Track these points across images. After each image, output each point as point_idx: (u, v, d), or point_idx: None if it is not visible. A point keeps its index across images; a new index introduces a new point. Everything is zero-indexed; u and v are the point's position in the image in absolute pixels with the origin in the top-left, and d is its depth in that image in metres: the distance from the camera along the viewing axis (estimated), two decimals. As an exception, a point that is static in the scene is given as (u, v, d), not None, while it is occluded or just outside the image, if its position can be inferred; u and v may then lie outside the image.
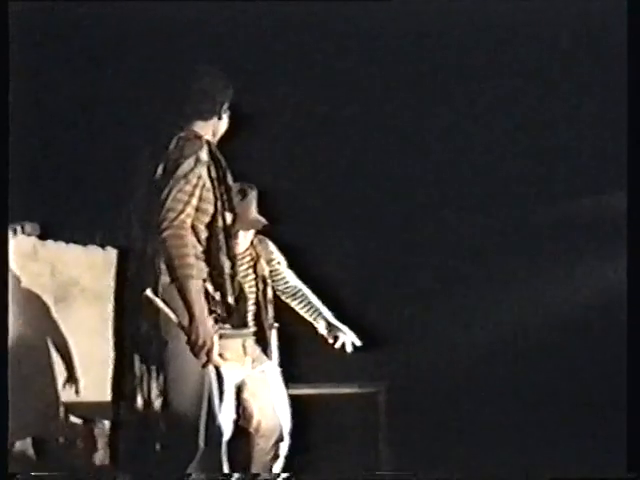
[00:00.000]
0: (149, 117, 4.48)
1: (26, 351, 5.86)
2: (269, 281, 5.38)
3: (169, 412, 3.93)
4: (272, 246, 5.47)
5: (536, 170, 7.19)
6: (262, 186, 5.36)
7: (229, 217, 4.07)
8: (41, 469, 5.85)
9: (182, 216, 3.89)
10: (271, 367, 5.31)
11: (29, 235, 6.23)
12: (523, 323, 7.12)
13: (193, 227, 3.97)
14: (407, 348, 7.12)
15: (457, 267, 7.28)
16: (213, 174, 4.01)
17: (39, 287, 6.14)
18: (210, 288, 3.99)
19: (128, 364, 3.99)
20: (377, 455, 6.55)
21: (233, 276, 4.06)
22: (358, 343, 5.37)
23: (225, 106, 4.18)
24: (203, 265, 3.98)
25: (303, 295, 5.47)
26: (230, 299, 4.02)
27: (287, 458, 5.28)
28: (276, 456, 5.23)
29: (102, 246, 6.39)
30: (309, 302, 5.46)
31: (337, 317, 5.44)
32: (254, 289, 5.32)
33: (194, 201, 3.94)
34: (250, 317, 5.25)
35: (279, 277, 5.45)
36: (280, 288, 5.46)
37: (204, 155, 3.98)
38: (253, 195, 5.28)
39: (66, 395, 6.04)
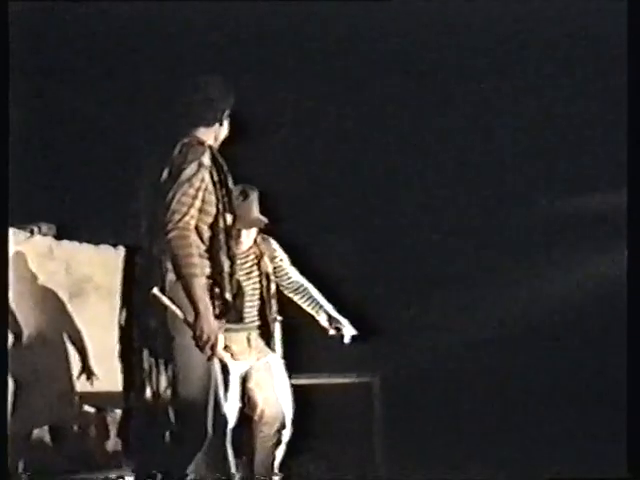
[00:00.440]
0: (149, 118, 4.56)
1: (43, 344, 6.00)
2: (272, 277, 5.51)
3: (177, 402, 4.01)
4: (275, 244, 5.61)
5: (536, 168, 7.24)
6: (264, 187, 5.47)
7: (229, 218, 4.16)
8: (56, 455, 6.04)
9: (186, 218, 4.00)
10: (275, 359, 5.49)
11: (45, 235, 6.36)
12: (522, 320, 7.17)
13: (197, 228, 4.06)
14: (404, 340, 7.17)
15: (454, 262, 7.31)
16: (215, 178, 4.11)
17: (55, 284, 6.28)
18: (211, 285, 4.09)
19: (137, 358, 4.07)
20: (371, 442, 6.64)
21: (232, 274, 4.13)
22: (355, 333, 5.49)
23: (226, 113, 4.28)
24: (207, 263, 4.08)
25: (305, 290, 5.60)
26: (228, 295, 4.10)
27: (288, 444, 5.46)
28: (278, 442, 5.41)
29: (114, 245, 6.47)
30: (311, 296, 5.59)
31: (336, 311, 5.57)
32: (258, 285, 5.45)
33: (197, 203, 4.04)
34: (255, 312, 5.40)
35: (282, 273, 5.59)
36: (283, 284, 5.59)
37: (206, 160, 4.08)
38: (254, 196, 5.41)
39: (80, 385, 6.15)
